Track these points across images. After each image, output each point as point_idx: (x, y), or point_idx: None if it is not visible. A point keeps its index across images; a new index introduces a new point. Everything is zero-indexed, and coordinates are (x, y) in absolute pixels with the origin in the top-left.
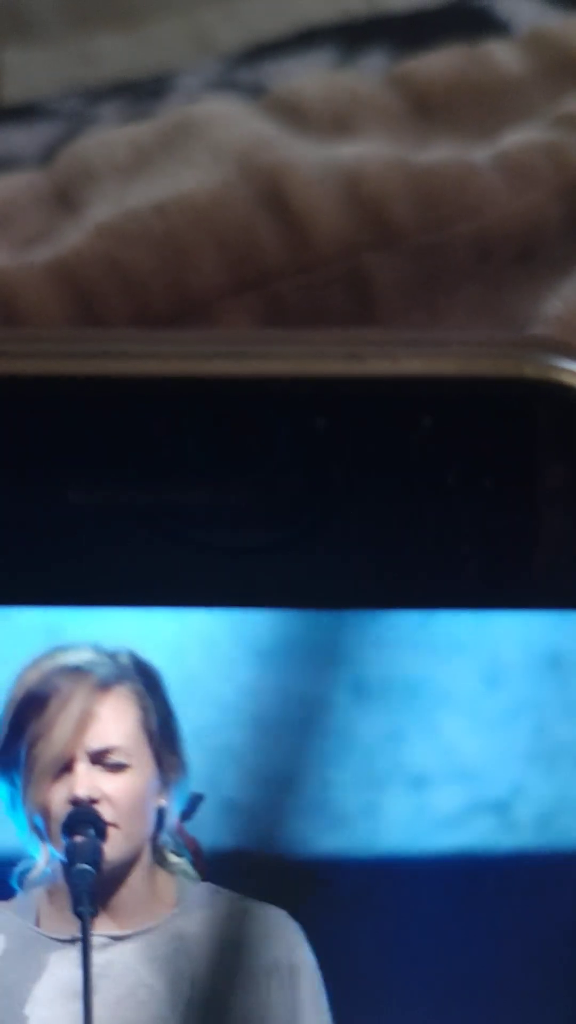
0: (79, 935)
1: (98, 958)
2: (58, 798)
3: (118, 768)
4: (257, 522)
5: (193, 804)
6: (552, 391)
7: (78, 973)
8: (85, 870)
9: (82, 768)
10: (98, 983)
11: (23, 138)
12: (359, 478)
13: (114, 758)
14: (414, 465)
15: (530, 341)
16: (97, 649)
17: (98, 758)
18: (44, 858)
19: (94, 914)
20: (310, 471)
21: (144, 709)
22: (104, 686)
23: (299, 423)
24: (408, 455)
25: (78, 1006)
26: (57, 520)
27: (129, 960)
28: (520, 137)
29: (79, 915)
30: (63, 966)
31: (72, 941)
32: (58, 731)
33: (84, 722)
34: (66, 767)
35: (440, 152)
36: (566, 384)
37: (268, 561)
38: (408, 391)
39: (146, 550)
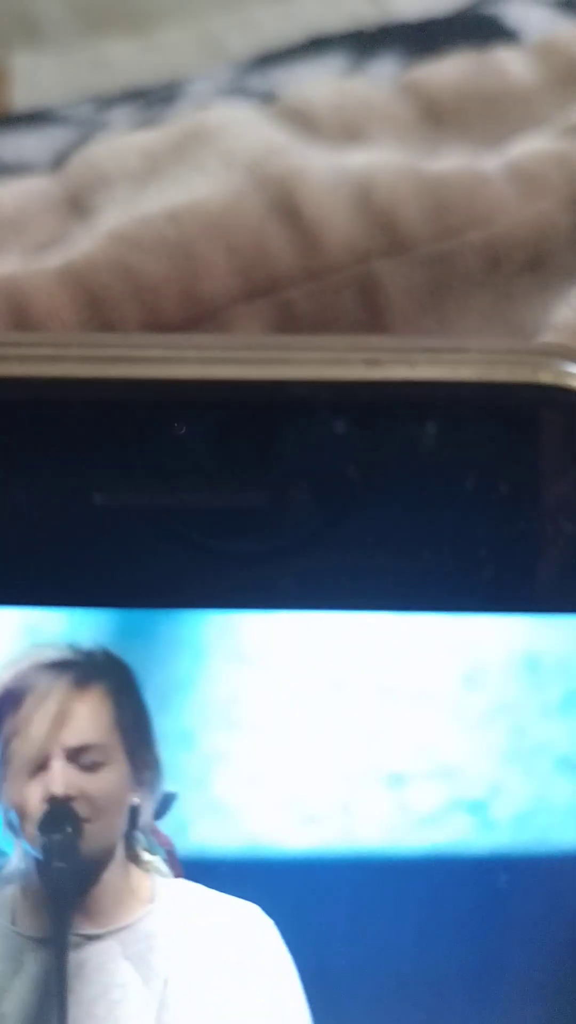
0: (53, 933)
1: (73, 956)
2: (34, 795)
3: (94, 766)
4: (273, 527)
5: (166, 802)
6: (568, 398)
7: (53, 972)
8: (61, 868)
9: (58, 765)
10: (72, 982)
11: (34, 143)
12: (376, 483)
13: (90, 756)
14: (429, 470)
15: (546, 348)
16: (73, 647)
17: (74, 755)
18: (18, 855)
19: (70, 912)
20: (328, 476)
21: (119, 707)
22: (80, 684)
23: (318, 428)
24: (423, 460)
25: (54, 1004)
26: (72, 522)
27: (103, 959)
28: (530, 146)
29: (55, 913)
30: (38, 965)
31: (46, 939)
32: (34, 728)
33: (60, 719)
34: (42, 764)
35: (450, 160)
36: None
37: (281, 565)
38: (425, 397)
39: (168, 555)
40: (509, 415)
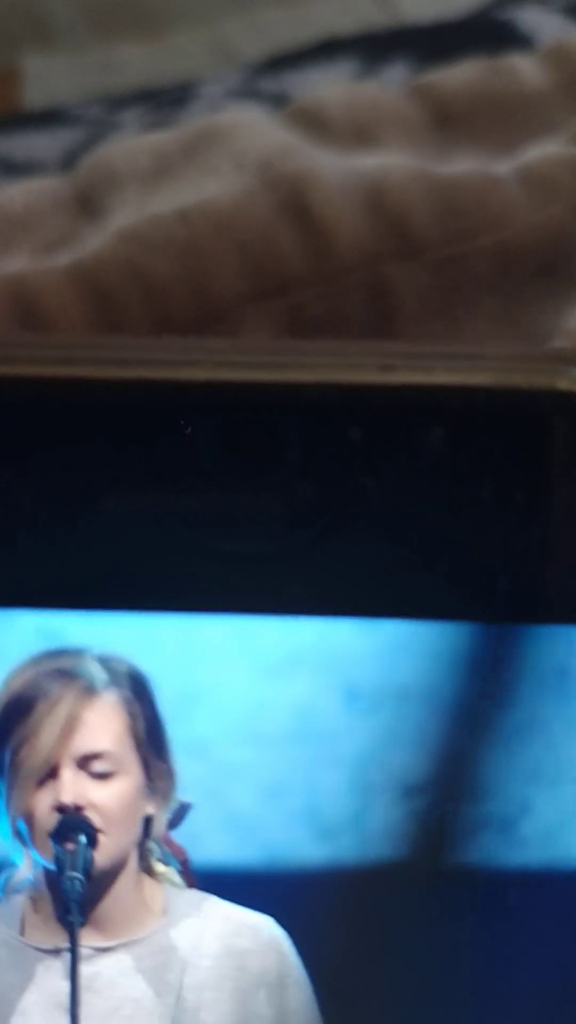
0: (65, 946)
1: (84, 970)
2: (43, 804)
3: (104, 775)
4: (286, 531)
5: (181, 813)
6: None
7: (65, 985)
8: (75, 878)
9: (67, 774)
10: (84, 996)
11: (45, 143)
12: (391, 488)
13: (100, 764)
14: (444, 476)
15: (562, 355)
16: (86, 654)
17: (84, 764)
18: (27, 865)
19: (82, 924)
20: (341, 481)
21: (132, 715)
22: (92, 691)
23: (331, 433)
24: (438, 466)
25: (65, 1019)
26: (79, 526)
27: (114, 973)
28: (542, 151)
29: (68, 925)
30: (49, 978)
31: (57, 951)
32: (44, 735)
33: (70, 727)
34: (51, 772)
35: (462, 164)
36: None
37: (293, 569)
38: (439, 402)
39: (178, 558)
40: (525, 421)
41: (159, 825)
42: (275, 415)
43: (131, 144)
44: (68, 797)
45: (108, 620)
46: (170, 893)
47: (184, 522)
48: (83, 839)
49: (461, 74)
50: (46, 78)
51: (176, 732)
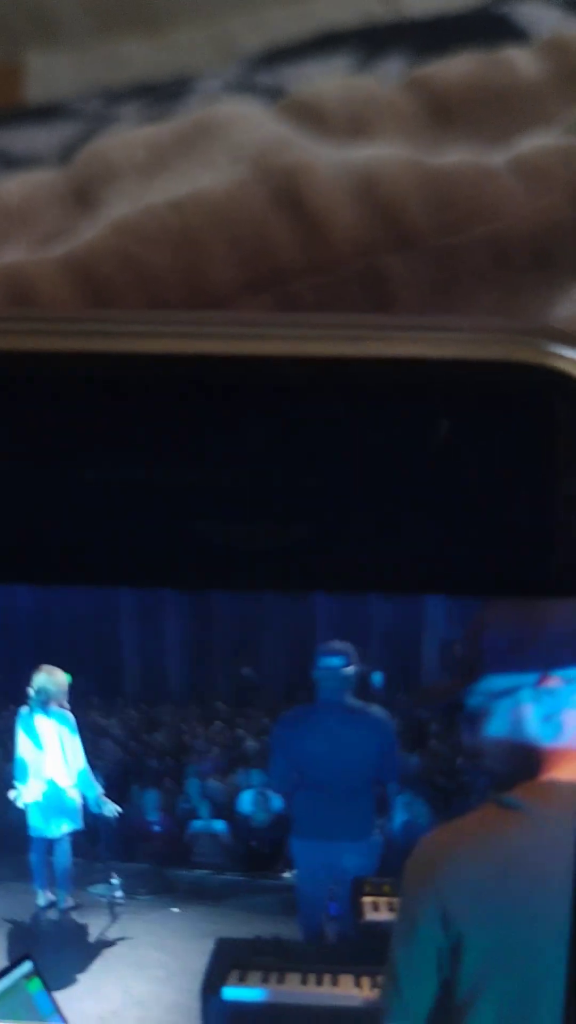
0: None
1: None
2: None
3: None
4: (256, 506)
5: None
6: (547, 377)
7: None
8: None
9: None
10: None
11: (44, 137)
12: (361, 462)
13: None
14: (413, 449)
15: (529, 328)
16: None
17: None
18: None
19: None
20: (309, 453)
21: None
22: None
23: (305, 405)
24: (407, 439)
25: None
26: (67, 500)
27: None
28: (537, 142)
29: None
30: None
31: None
32: None
33: None
34: None
35: (457, 156)
36: (560, 370)
37: (264, 546)
38: (404, 375)
39: (137, 532)
40: (493, 395)
41: None
42: (240, 386)
43: (127, 136)
44: None
45: None
46: None
47: (143, 493)
48: None
49: (456, 66)
50: (49, 73)
51: None
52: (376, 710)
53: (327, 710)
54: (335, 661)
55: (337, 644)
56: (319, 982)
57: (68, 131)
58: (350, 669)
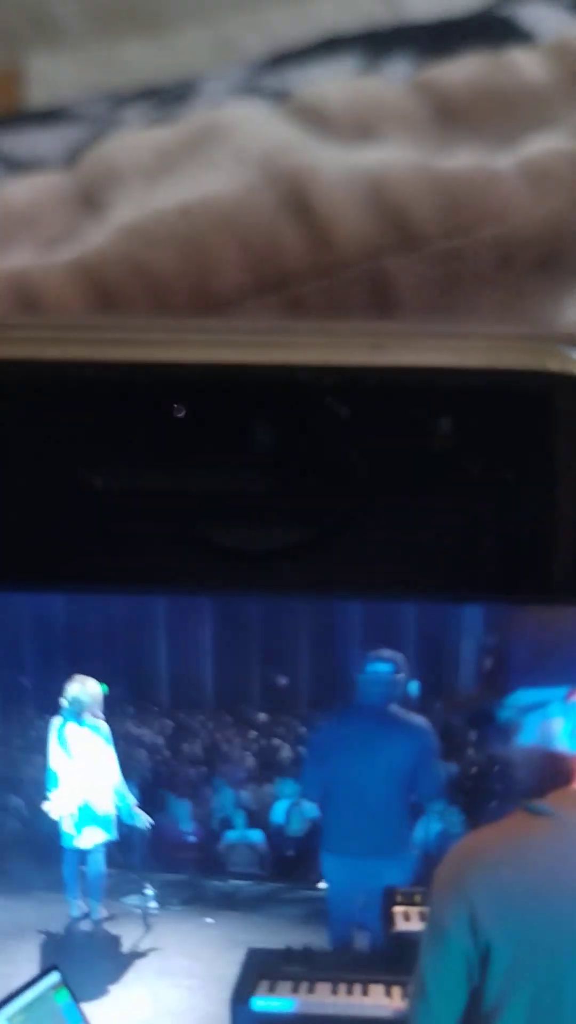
0: None
1: None
2: None
3: None
4: (271, 512)
5: None
6: (571, 384)
7: None
8: None
9: None
10: None
11: (48, 140)
12: (378, 468)
13: None
14: (432, 455)
15: (554, 335)
16: None
17: None
18: None
19: None
20: (327, 460)
21: None
22: None
23: (322, 412)
24: (426, 446)
25: None
26: (69, 506)
27: None
28: (543, 144)
29: None
30: None
31: None
32: None
33: None
34: None
35: (463, 158)
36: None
37: (279, 551)
38: (427, 382)
39: (151, 539)
40: (515, 402)
41: None
42: (265, 395)
43: (133, 139)
44: None
45: None
46: None
47: (158, 501)
48: None
49: (462, 69)
50: (50, 77)
51: None
52: (418, 719)
53: (369, 715)
54: (384, 667)
55: (387, 651)
56: (349, 992)
57: (73, 135)
58: (400, 676)
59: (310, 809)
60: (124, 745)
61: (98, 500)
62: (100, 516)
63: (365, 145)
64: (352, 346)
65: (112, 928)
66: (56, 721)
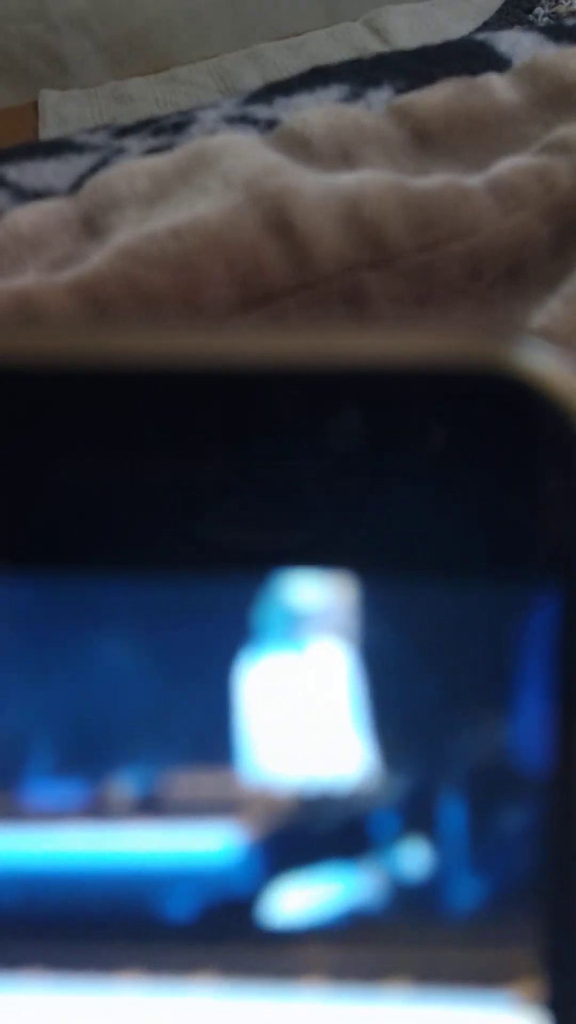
0: None
1: None
2: None
3: None
4: (222, 505)
5: None
6: (508, 379)
7: None
8: None
9: None
10: None
11: (54, 171)
12: (314, 465)
13: None
14: (365, 450)
15: (496, 328)
16: None
17: None
18: None
19: None
20: (269, 457)
21: None
22: None
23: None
24: (359, 440)
25: None
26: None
27: None
28: (512, 161)
29: None
30: None
31: None
32: None
33: None
34: None
35: (437, 178)
36: (516, 372)
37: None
38: (359, 378)
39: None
40: (449, 395)
41: None
42: (198, 391)
43: (130, 167)
44: None
45: None
46: None
47: (113, 490)
48: None
49: (437, 93)
50: (60, 111)
51: None
52: None
53: None
54: None
55: None
56: None
57: (80, 164)
58: None
59: None
60: None
61: (94, 498)
62: (97, 515)
63: (345, 168)
64: (305, 338)
65: None
66: None
